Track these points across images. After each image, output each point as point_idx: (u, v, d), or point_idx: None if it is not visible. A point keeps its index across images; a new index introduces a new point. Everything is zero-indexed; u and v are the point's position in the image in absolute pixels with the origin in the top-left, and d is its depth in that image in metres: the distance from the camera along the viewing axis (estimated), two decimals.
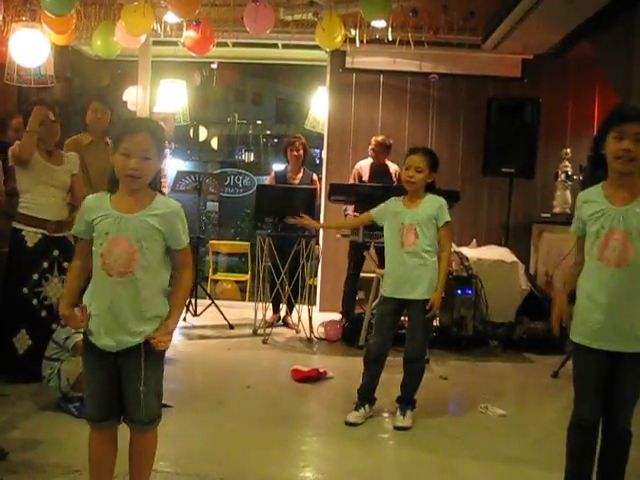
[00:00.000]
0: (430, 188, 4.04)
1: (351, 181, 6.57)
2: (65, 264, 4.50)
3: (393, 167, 6.62)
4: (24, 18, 5.95)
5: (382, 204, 4.14)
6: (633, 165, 2.60)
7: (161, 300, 2.53)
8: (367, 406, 4.06)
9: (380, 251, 4.83)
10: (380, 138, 6.57)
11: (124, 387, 2.53)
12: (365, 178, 6.52)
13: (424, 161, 3.95)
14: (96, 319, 2.48)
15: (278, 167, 7.73)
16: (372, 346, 4.13)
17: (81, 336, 3.83)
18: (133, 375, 2.49)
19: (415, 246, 3.93)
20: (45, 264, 4.47)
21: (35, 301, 4.44)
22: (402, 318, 4.21)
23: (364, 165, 6.63)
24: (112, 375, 2.52)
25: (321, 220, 7.54)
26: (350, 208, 6.47)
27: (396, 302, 4.03)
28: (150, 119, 2.84)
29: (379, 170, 6.48)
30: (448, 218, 4.01)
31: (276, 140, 18.70)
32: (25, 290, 4.41)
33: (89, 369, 2.57)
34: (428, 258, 3.96)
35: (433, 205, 3.98)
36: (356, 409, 4.03)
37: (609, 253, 2.61)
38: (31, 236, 4.45)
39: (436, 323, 6.23)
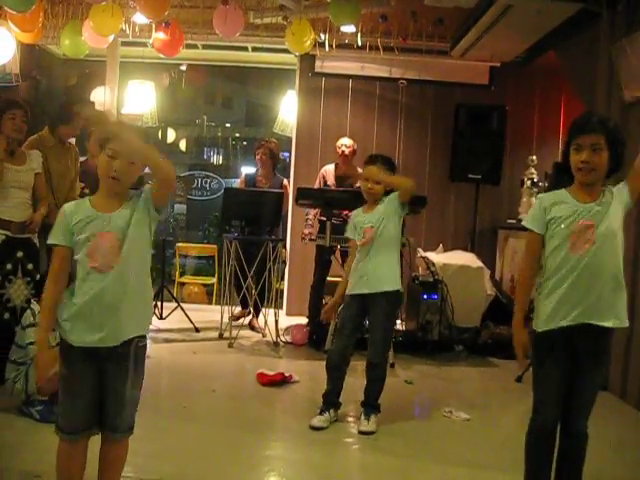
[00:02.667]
0: (388, 192, 4.11)
1: (316, 185, 6.56)
2: (29, 266, 4.44)
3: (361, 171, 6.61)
4: None
5: (349, 224, 4.20)
6: (594, 175, 2.63)
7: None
8: (332, 411, 4.07)
9: (346, 255, 4.86)
10: (350, 143, 6.56)
11: (109, 393, 2.45)
12: (330, 182, 6.52)
13: (382, 172, 4.01)
14: (83, 317, 2.37)
15: (249, 170, 7.70)
16: (333, 352, 4.15)
17: None
18: (120, 381, 2.43)
19: (374, 242, 3.98)
20: (9, 266, 4.38)
21: None
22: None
23: (329, 169, 6.63)
24: (96, 381, 2.43)
25: (289, 224, 7.54)
26: (312, 212, 6.48)
27: (358, 302, 4.05)
28: (138, 125, 2.79)
29: (345, 174, 6.49)
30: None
31: (245, 143, 18.59)
32: None
33: (73, 376, 2.43)
34: (388, 254, 4.01)
35: (385, 203, 4.05)
36: (321, 413, 4.04)
37: (581, 244, 2.60)
38: None
39: (402, 327, 6.28)
